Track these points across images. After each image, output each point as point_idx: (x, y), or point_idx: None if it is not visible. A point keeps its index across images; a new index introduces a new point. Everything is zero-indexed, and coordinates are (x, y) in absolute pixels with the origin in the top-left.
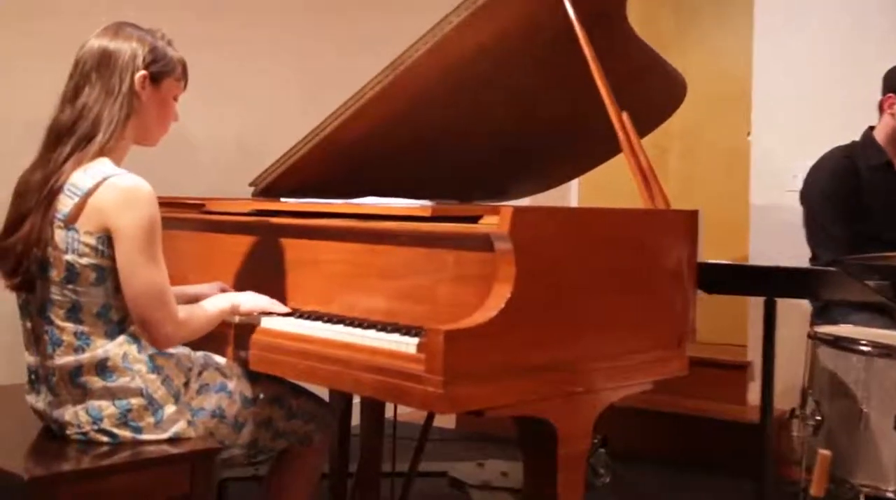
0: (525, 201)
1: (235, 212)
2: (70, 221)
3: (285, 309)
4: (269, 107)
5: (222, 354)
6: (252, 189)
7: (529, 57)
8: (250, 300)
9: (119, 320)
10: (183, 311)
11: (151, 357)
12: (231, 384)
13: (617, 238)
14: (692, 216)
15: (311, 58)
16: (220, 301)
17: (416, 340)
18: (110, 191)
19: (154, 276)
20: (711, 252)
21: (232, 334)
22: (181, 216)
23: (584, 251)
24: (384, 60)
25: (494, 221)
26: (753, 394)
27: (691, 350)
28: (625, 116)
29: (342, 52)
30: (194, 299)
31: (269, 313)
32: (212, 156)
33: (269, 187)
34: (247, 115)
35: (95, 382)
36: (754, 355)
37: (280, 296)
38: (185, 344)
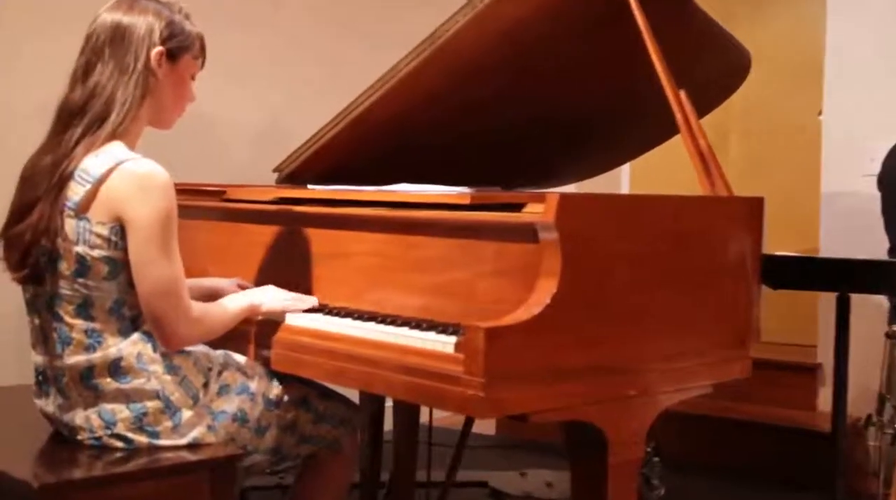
0: (571, 188)
1: (258, 200)
2: (81, 211)
3: (311, 303)
4: (294, 87)
5: (243, 352)
6: (276, 175)
7: (577, 30)
8: (271, 301)
9: (133, 316)
10: (198, 308)
11: (168, 357)
12: (253, 385)
13: (673, 228)
14: (756, 204)
15: (340, 35)
16: (239, 300)
17: (453, 338)
18: (124, 178)
19: (168, 270)
20: (777, 243)
21: (254, 332)
22: (199, 205)
23: (637, 242)
24: (417, 40)
25: (539, 210)
26: (824, 399)
27: (755, 351)
28: (682, 94)
29: (374, 32)
30: (210, 294)
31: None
32: (233, 139)
33: (295, 173)
34: (271, 95)
35: (108, 383)
36: (825, 357)
37: (306, 291)
38: (205, 342)
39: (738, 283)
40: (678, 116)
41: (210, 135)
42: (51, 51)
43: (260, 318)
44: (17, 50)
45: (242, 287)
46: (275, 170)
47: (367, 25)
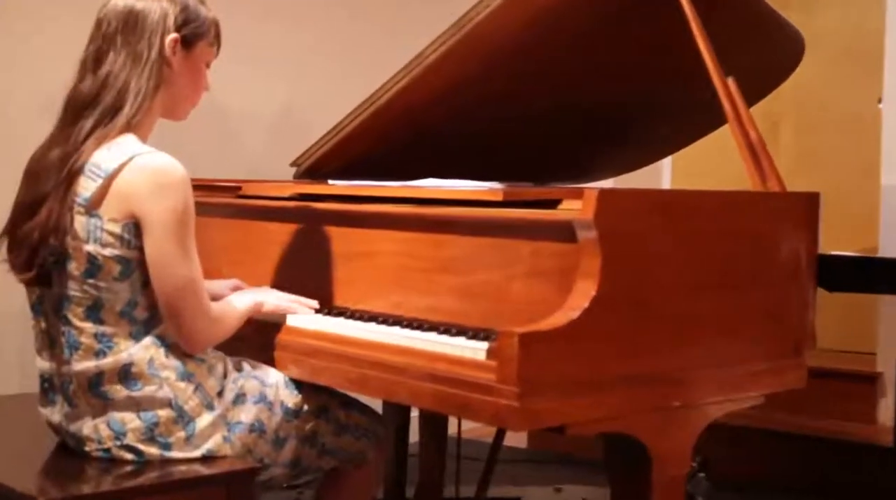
0: (608, 183)
1: (275, 196)
2: (92, 207)
3: (313, 306)
4: (313, 75)
5: (260, 359)
6: (294, 170)
7: (616, 14)
8: (274, 299)
9: (145, 319)
10: (216, 308)
11: (181, 363)
12: (271, 394)
13: (721, 227)
14: (811, 200)
15: (363, 23)
16: (245, 298)
17: (485, 344)
18: (138, 172)
19: (187, 269)
20: (833, 243)
21: (272, 337)
22: (213, 201)
23: (682, 242)
24: (439, 27)
25: (577, 207)
26: (884, 411)
27: (810, 359)
28: (730, 82)
29: (396, 18)
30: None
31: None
32: (248, 131)
33: (314, 167)
34: (288, 84)
35: (118, 391)
36: (885, 366)
37: (326, 292)
38: (216, 347)
39: (792, 285)
40: (726, 105)
41: (223, 126)
42: (56, 36)
43: (261, 318)
44: (21, 36)
45: (238, 289)
46: (292, 164)
47: (390, 11)
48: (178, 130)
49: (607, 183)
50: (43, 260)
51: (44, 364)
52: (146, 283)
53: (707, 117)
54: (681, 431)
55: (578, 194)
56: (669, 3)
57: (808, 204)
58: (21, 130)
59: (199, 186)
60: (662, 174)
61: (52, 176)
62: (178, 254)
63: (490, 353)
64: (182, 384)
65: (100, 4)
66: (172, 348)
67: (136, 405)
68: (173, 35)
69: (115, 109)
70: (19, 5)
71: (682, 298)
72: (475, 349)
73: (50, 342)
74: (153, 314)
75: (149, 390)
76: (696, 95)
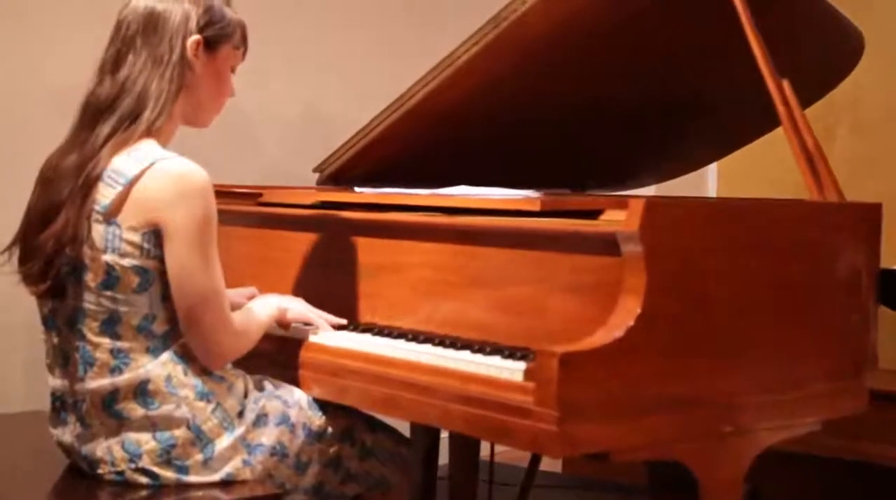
0: (651, 191)
1: (298, 204)
2: (111, 215)
3: (337, 322)
4: (337, 76)
5: (282, 377)
6: (317, 176)
7: (661, 11)
8: (299, 306)
9: (164, 334)
10: (239, 319)
11: (201, 381)
12: (293, 415)
13: (775, 239)
14: (872, 211)
15: (389, 22)
16: (267, 305)
17: (522, 364)
18: (159, 178)
19: (209, 280)
20: (894, 257)
21: (294, 354)
22: (233, 209)
23: (734, 256)
24: (468, 27)
25: (620, 217)
26: None
27: (871, 381)
28: (785, 84)
29: (426, 18)
30: None
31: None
32: (268, 134)
33: (338, 173)
34: (311, 85)
35: (133, 409)
36: None
37: (352, 307)
38: (236, 364)
39: (852, 302)
40: (780, 109)
41: (242, 129)
42: (69, 34)
43: (283, 333)
44: (34, 34)
45: (254, 298)
46: (315, 169)
47: (418, 10)
48: (195, 133)
49: (648, 190)
50: (58, 271)
51: (55, 382)
52: (165, 295)
53: (757, 120)
54: (731, 458)
55: (622, 204)
56: (720, 2)
57: (869, 215)
58: (33, 130)
59: (218, 193)
60: (707, 181)
61: (68, 183)
62: (200, 264)
63: (527, 374)
64: (201, 404)
65: (116, 2)
66: (192, 364)
67: (152, 425)
68: (195, 37)
69: (135, 114)
70: (33, 4)
71: (734, 316)
72: (511, 370)
73: (63, 358)
74: (172, 329)
75: (166, 409)
76: (745, 96)
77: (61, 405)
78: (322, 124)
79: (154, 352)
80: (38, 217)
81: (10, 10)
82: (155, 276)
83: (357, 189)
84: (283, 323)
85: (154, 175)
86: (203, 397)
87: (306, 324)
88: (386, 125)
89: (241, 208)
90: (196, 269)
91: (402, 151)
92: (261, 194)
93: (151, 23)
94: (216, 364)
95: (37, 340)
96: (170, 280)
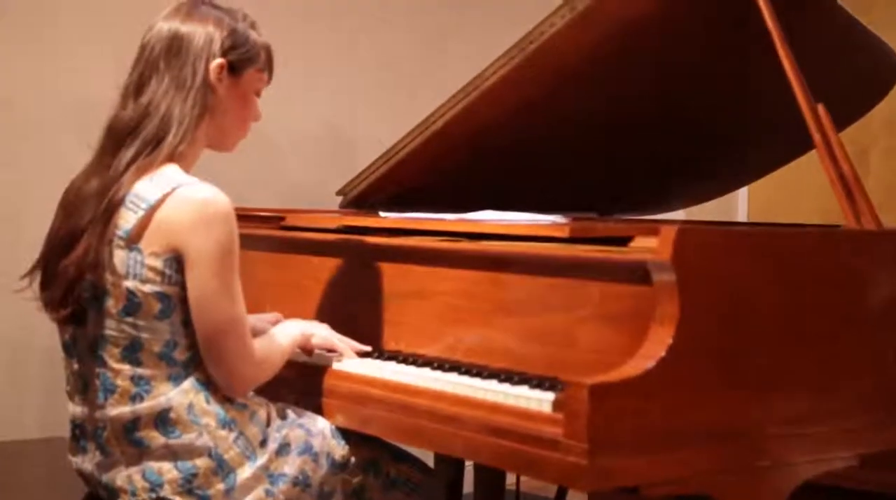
0: (679, 215)
1: (321, 228)
2: (133, 240)
3: (362, 349)
4: (361, 96)
5: (304, 405)
6: (340, 198)
7: (693, 34)
8: (323, 332)
9: (185, 361)
10: (260, 347)
11: (223, 409)
12: (316, 444)
13: (811, 268)
14: None
15: (415, 43)
16: (290, 331)
17: (551, 395)
18: (181, 204)
19: (231, 309)
20: None
21: (317, 382)
22: (255, 233)
23: (768, 284)
24: (496, 47)
25: (651, 245)
26: None
27: None
28: (820, 108)
29: (454, 38)
30: None
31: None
32: (291, 156)
33: (363, 196)
34: (334, 105)
35: (155, 438)
36: None
37: (376, 334)
38: (259, 392)
39: (890, 332)
40: (815, 134)
41: (265, 151)
42: (84, 50)
43: (306, 359)
44: (51, 49)
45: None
46: (339, 192)
47: (445, 30)
48: (217, 156)
49: (677, 215)
50: (79, 297)
51: (76, 409)
52: (187, 322)
53: (790, 143)
54: (767, 493)
55: (654, 231)
56: (753, 22)
57: None
58: (50, 146)
59: (239, 216)
60: (737, 205)
61: (90, 208)
62: (222, 291)
63: (556, 405)
64: (223, 432)
65: (128, 17)
66: (214, 392)
67: (173, 454)
68: (219, 60)
69: (158, 139)
70: (49, 19)
71: (770, 346)
72: (540, 400)
73: (83, 385)
74: (194, 356)
75: (187, 437)
76: (778, 119)
77: (81, 433)
78: (346, 146)
79: (175, 379)
80: (60, 243)
81: (26, 25)
82: (176, 302)
83: (382, 213)
84: (306, 349)
85: (176, 201)
86: (225, 425)
87: (330, 351)
88: (412, 148)
89: (263, 232)
90: (217, 296)
91: (428, 174)
92: (283, 218)
93: (174, 46)
94: (238, 393)
95: (56, 365)
96: (190, 307)
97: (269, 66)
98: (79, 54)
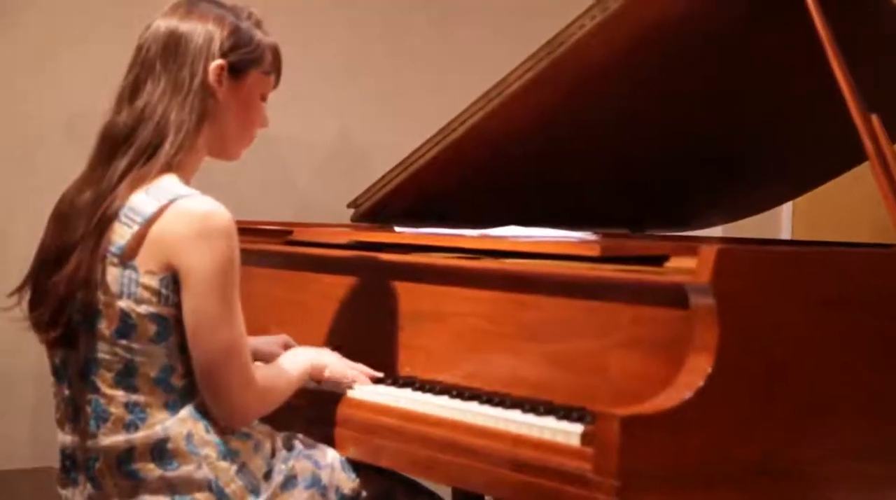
0: (717, 232)
1: (331, 243)
2: (127, 257)
3: (374, 376)
4: (373, 103)
5: (313, 435)
6: (352, 212)
7: (732, 37)
8: (336, 364)
9: (183, 387)
10: (263, 377)
11: (224, 439)
12: (325, 477)
13: (863, 289)
14: None
15: (432, 47)
16: (299, 360)
17: (579, 427)
18: (179, 218)
19: (230, 331)
20: None
21: (326, 410)
22: (259, 248)
23: (816, 308)
24: (521, 49)
25: (689, 265)
26: None
27: None
28: (874, 119)
29: (473, 42)
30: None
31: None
32: (299, 166)
33: (375, 209)
34: (344, 112)
35: (151, 470)
36: None
37: (390, 359)
38: (264, 420)
39: None
40: (868, 146)
41: (270, 160)
42: (82, 55)
43: (315, 386)
44: (47, 55)
45: (287, 346)
46: (350, 205)
47: (464, 34)
48: (218, 165)
49: (714, 231)
50: (69, 317)
51: (65, 438)
52: (185, 346)
53: (840, 155)
54: None
55: (691, 250)
56: (799, 22)
57: None
58: (45, 155)
59: (242, 230)
60: (781, 221)
61: (82, 221)
62: (221, 313)
63: (585, 437)
64: (224, 464)
65: (128, 19)
66: (214, 421)
67: (170, 488)
68: (218, 61)
69: (154, 147)
70: (44, 23)
71: (816, 376)
72: (567, 432)
73: (73, 412)
74: (192, 382)
75: (185, 470)
76: (827, 129)
77: (71, 464)
78: (358, 155)
79: (172, 407)
80: (50, 258)
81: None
82: (174, 324)
83: (397, 228)
84: (316, 380)
85: (173, 214)
86: (226, 456)
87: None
88: (429, 157)
89: (267, 248)
90: (216, 318)
91: (446, 186)
92: (290, 232)
93: (172, 45)
94: (235, 424)
95: (45, 391)
96: (186, 330)
97: (276, 69)
98: (68, 67)
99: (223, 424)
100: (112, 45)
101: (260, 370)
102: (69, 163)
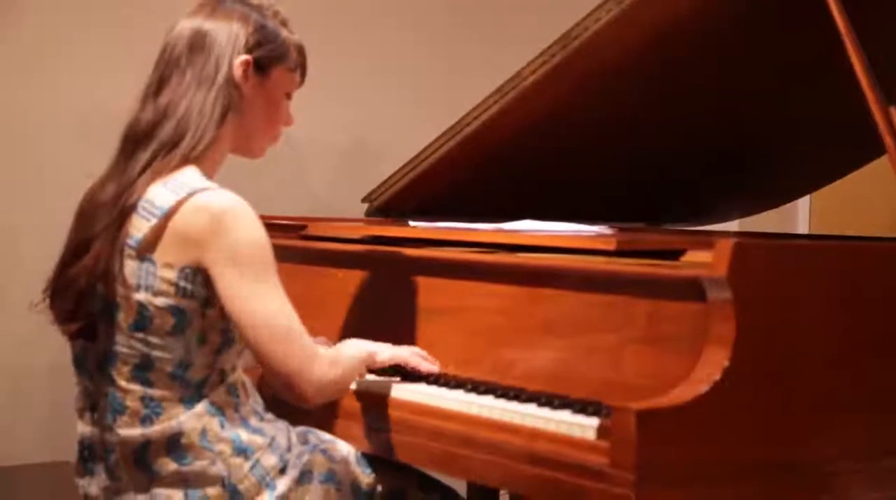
0: (733, 225)
1: (345, 238)
2: (144, 250)
3: (432, 367)
4: (388, 99)
5: (328, 429)
6: (366, 206)
7: (751, 31)
8: (388, 350)
9: (199, 382)
10: (325, 352)
11: (239, 434)
12: (340, 471)
13: (882, 285)
14: None
15: (444, 43)
16: (357, 348)
17: (595, 420)
18: (198, 212)
19: (280, 308)
20: None
21: (340, 404)
22: (274, 243)
23: (834, 302)
24: (538, 48)
25: (706, 259)
26: None
27: None
28: (893, 112)
29: (486, 38)
30: None
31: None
32: (314, 161)
33: (390, 204)
34: (359, 109)
35: (165, 464)
36: None
37: None
38: (280, 415)
39: None
40: (888, 139)
41: (285, 155)
42: (89, 54)
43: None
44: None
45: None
46: (364, 199)
47: (477, 29)
48: (234, 162)
49: (731, 225)
50: (89, 310)
51: (85, 428)
52: (202, 339)
53: (858, 149)
54: None
55: (708, 244)
56: (818, 18)
57: None
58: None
59: None
60: (798, 215)
61: (103, 215)
62: (262, 290)
63: (601, 431)
64: (238, 460)
65: (132, 19)
66: (229, 417)
67: (183, 482)
68: (244, 57)
69: (175, 141)
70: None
71: (835, 372)
72: (583, 426)
73: (92, 404)
74: (208, 377)
75: (199, 465)
76: (846, 122)
77: (90, 454)
78: (372, 150)
79: (188, 402)
80: (73, 252)
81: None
82: (191, 318)
83: (411, 223)
84: (372, 367)
85: (191, 208)
86: (241, 452)
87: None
88: (442, 152)
89: (282, 242)
90: (259, 300)
91: (461, 180)
92: (304, 227)
93: (197, 43)
94: (313, 398)
95: (61, 387)
96: (234, 322)
97: (301, 66)
98: (83, 67)
99: (298, 403)
100: (112, 46)
101: (325, 348)
102: (72, 161)
